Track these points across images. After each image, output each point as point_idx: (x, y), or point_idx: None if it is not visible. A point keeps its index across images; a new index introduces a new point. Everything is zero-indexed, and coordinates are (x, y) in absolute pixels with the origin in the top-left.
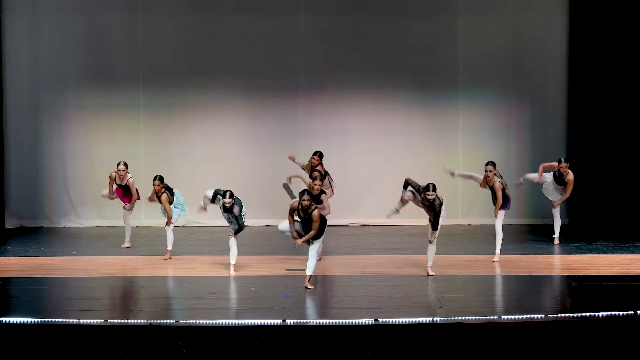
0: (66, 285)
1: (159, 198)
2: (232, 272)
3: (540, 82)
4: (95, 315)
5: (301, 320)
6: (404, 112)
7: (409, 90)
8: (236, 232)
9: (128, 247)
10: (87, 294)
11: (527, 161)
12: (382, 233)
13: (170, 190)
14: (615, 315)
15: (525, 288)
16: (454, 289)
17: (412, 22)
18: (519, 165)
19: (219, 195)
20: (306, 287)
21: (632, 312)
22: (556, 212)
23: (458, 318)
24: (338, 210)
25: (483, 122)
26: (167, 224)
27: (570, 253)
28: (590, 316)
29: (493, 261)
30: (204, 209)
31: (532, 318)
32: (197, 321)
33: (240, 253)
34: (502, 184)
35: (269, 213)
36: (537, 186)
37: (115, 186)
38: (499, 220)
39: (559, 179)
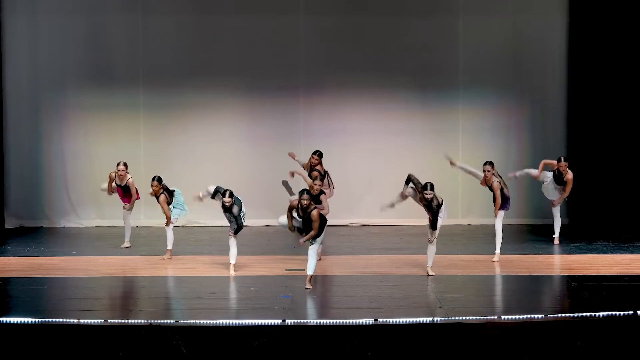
0: (66, 285)
1: (157, 198)
2: (231, 272)
3: (540, 82)
4: (95, 315)
5: (301, 320)
6: (403, 112)
7: (409, 90)
8: (235, 232)
9: (128, 247)
10: (87, 294)
11: (527, 161)
12: (382, 233)
13: (168, 191)
14: (615, 315)
15: (525, 288)
16: (453, 289)
17: (412, 22)
18: (518, 165)
19: (219, 193)
20: (306, 287)
21: (631, 312)
22: (556, 212)
23: (458, 318)
24: (338, 210)
25: (483, 122)
26: (167, 224)
27: (570, 253)
28: (590, 316)
29: (493, 261)
30: (200, 199)
31: (531, 318)
32: (197, 321)
33: (240, 253)
34: (500, 183)
35: (268, 213)
36: (537, 186)
37: (114, 185)
38: (499, 221)
39: (559, 178)
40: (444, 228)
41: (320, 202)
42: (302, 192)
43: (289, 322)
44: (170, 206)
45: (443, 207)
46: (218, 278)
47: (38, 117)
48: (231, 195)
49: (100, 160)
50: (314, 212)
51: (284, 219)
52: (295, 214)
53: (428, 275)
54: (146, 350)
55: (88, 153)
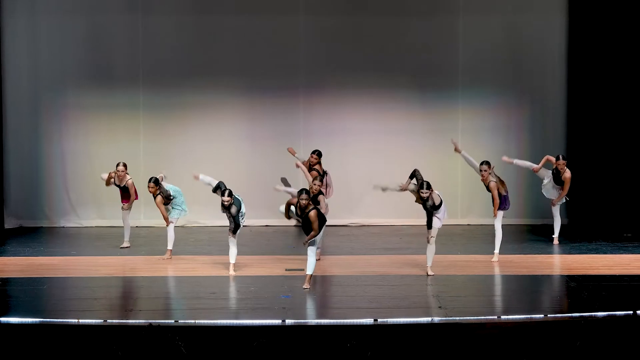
0: (65, 285)
1: (154, 199)
2: (231, 272)
3: (540, 82)
4: (95, 315)
5: (301, 320)
6: (403, 112)
7: (409, 90)
8: (234, 231)
9: (127, 247)
10: (87, 294)
11: (527, 161)
12: (381, 233)
13: (166, 192)
14: (615, 315)
15: (525, 288)
16: (453, 289)
17: (412, 22)
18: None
19: (220, 190)
20: (304, 287)
21: (631, 312)
22: (556, 212)
23: (457, 318)
24: (338, 210)
25: (483, 122)
26: (167, 224)
27: (569, 253)
28: (590, 316)
29: (492, 261)
30: (197, 178)
31: (531, 318)
32: (197, 321)
33: (239, 253)
34: (497, 183)
35: (268, 213)
36: (537, 186)
37: (112, 181)
38: (498, 221)
39: (557, 177)
40: (443, 228)
41: (318, 203)
42: (300, 192)
43: (288, 322)
44: (169, 207)
45: (442, 208)
46: (218, 278)
47: (38, 117)
48: (230, 194)
49: (100, 160)
50: (312, 213)
51: (282, 208)
52: (293, 209)
53: (428, 275)
54: (146, 350)
55: (88, 153)
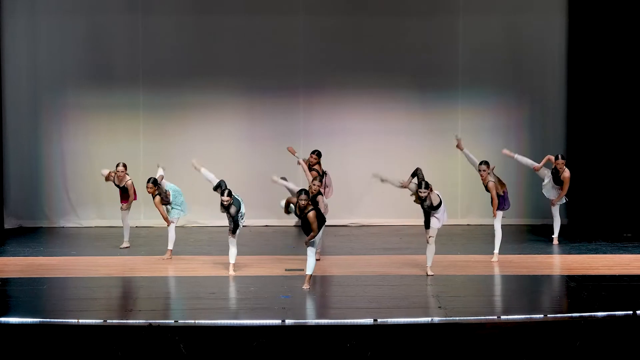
0: (65, 285)
1: (153, 199)
2: (231, 272)
3: (540, 82)
4: (95, 316)
5: (300, 321)
6: (403, 112)
7: (409, 90)
8: (233, 231)
9: (127, 247)
10: (86, 294)
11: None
12: (381, 233)
13: (165, 193)
14: (615, 315)
15: (525, 288)
16: (453, 289)
17: (412, 22)
18: (518, 165)
19: (220, 189)
20: (303, 287)
21: (631, 312)
22: (556, 212)
23: (457, 318)
24: (337, 210)
25: (483, 122)
26: (168, 224)
27: (569, 253)
28: (590, 316)
29: (492, 261)
30: (197, 169)
31: (531, 318)
32: (197, 321)
33: (239, 253)
34: (496, 183)
35: (268, 213)
36: (536, 186)
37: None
38: (498, 221)
39: (556, 176)
40: (443, 228)
41: (317, 203)
42: (300, 193)
43: (288, 322)
44: (169, 207)
45: (441, 209)
46: (217, 278)
47: (38, 117)
48: (230, 194)
49: (100, 160)
50: (311, 214)
51: (282, 202)
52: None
53: (427, 275)
54: (145, 350)
55: (88, 153)
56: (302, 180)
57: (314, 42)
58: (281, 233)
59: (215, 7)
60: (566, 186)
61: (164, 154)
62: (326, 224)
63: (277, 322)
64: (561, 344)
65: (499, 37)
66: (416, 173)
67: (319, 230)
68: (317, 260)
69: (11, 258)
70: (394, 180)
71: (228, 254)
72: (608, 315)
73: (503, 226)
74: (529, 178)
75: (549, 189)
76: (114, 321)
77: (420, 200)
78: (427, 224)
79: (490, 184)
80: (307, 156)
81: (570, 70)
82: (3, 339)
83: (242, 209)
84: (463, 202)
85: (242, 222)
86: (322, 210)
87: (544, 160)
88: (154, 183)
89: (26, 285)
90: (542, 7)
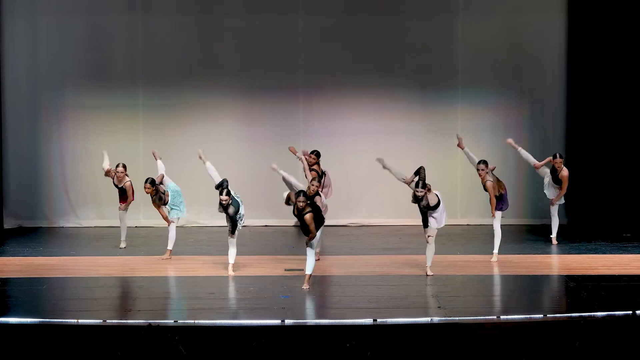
0: (65, 285)
1: (152, 200)
2: (230, 272)
3: (540, 82)
4: (94, 316)
5: (300, 321)
6: (403, 112)
7: (409, 90)
8: (232, 231)
9: (124, 248)
10: (86, 294)
11: (526, 161)
12: (381, 233)
13: (162, 193)
14: (614, 315)
15: (524, 288)
16: (452, 289)
17: (411, 22)
18: (517, 165)
19: (221, 188)
20: (302, 287)
21: (630, 312)
22: (554, 211)
23: (457, 318)
24: (337, 210)
25: (482, 122)
26: (168, 223)
27: (568, 253)
28: (589, 316)
29: (491, 261)
30: (202, 160)
31: (530, 318)
32: (196, 321)
33: (239, 253)
34: (494, 183)
35: (267, 213)
36: (536, 186)
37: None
38: (497, 221)
39: (554, 176)
40: (443, 228)
41: (315, 204)
42: (298, 194)
43: (287, 322)
44: (167, 207)
45: (439, 210)
46: (217, 278)
47: (37, 117)
48: (228, 194)
49: (99, 161)
50: (307, 216)
51: (285, 194)
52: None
53: (427, 275)
54: (145, 350)
55: (87, 153)
56: (301, 179)
57: (314, 42)
58: (281, 233)
59: (215, 7)
60: (565, 185)
61: (164, 154)
62: (326, 224)
63: (277, 322)
64: (561, 344)
65: (499, 37)
66: (418, 172)
67: (317, 231)
68: (316, 260)
69: (11, 258)
70: (397, 172)
71: (227, 254)
72: (607, 315)
73: (502, 226)
74: (529, 178)
75: (549, 189)
76: (113, 321)
77: (416, 199)
78: (425, 224)
79: (488, 184)
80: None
81: (570, 70)
82: (3, 339)
83: (242, 210)
84: (462, 202)
85: (241, 223)
86: (322, 210)
87: (545, 161)
88: (152, 183)
89: (26, 285)
90: (542, 7)
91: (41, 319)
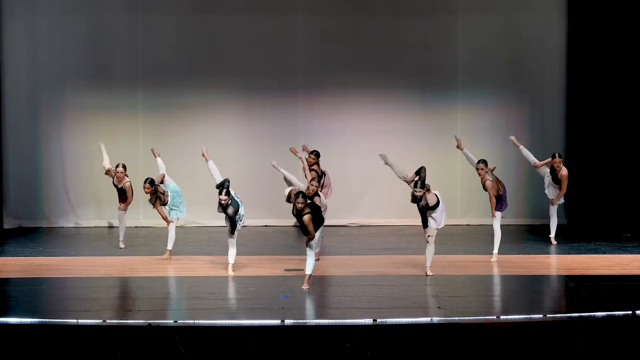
0: (64, 285)
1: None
2: (230, 272)
3: (539, 82)
4: (94, 316)
5: (300, 321)
6: (403, 112)
7: (409, 90)
8: (232, 231)
9: (123, 248)
10: (86, 294)
11: (526, 161)
12: (380, 233)
13: (161, 193)
14: (614, 315)
15: (524, 288)
16: (452, 289)
17: (411, 22)
18: (517, 165)
19: (222, 188)
20: (302, 287)
21: (630, 312)
22: (553, 211)
23: (457, 318)
24: (337, 211)
25: (482, 122)
26: (168, 223)
27: (568, 253)
28: (589, 316)
29: (491, 261)
30: (205, 158)
31: (530, 318)
32: (196, 321)
33: (238, 253)
34: (493, 182)
35: (267, 213)
36: (535, 186)
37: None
38: (497, 221)
39: (554, 175)
40: (442, 228)
41: (315, 204)
42: (297, 196)
43: (287, 322)
44: (166, 207)
45: (438, 210)
46: (217, 278)
47: (37, 117)
48: (228, 194)
49: (99, 161)
50: (306, 218)
51: (287, 191)
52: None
53: (427, 275)
54: (145, 350)
55: (87, 153)
56: (301, 179)
57: (314, 42)
58: (280, 233)
59: (215, 7)
60: (564, 185)
61: (163, 154)
62: (326, 224)
63: (277, 322)
64: (560, 344)
65: (499, 37)
66: (419, 172)
67: (316, 232)
68: (316, 260)
69: (10, 258)
70: (399, 169)
71: (227, 254)
72: (607, 315)
73: (502, 226)
74: (529, 178)
75: (549, 189)
76: (113, 321)
77: (414, 199)
78: (424, 224)
79: (488, 183)
80: (306, 157)
81: (570, 70)
82: (3, 339)
83: (241, 211)
84: (462, 202)
85: (240, 224)
86: (322, 210)
87: (545, 161)
88: (151, 183)
89: (25, 285)
90: (542, 7)
91: (41, 319)
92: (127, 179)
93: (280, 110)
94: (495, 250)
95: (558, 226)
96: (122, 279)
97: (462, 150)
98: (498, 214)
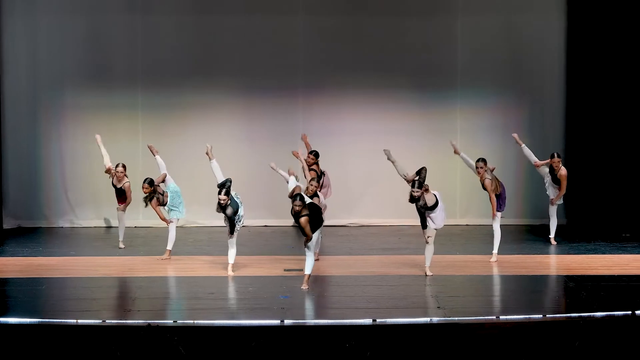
0: (64, 285)
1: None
2: (230, 272)
3: (539, 82)
4: (93, 316)
5: (299, 321)
6: (402, 112)
7: (408, 90)
8: (231, 232)
9: (122, 248)
10: (85, 294)
11: (525, 161)
12: (380, 233)
13: (161, 194)
14: (613, 316)
15: (524, 288)
16: (452, 289)
17: (411, 22)
18: (517, 165)
19: (221, 187)
20: (302, 287)
21: (630, 312)
22: (553, 211)
23: (456, 318)
24: (336, 211)
25: (481, 122)
26: (167, 223)
27: (568, 253)
28: (589, 316)
29: (490, 261)
30: (209, 156)
31: (530, 318)
32: (195, 321)
33: (238, 253)
34: (492, 181)
35: (267, 213)
36: (535, 186)
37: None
38: (496, 221)
39: (553, 175)
40: (442, 228)
41: (315, 205)
42: (295, 198)
43: (287, 322)
44: (166, 207)
45: (437, 210)
46: (216, 278)
47: (36, 117)
48: (227, 194)
49: (98, 161)
50: (303, 220)
51: (290, 187)
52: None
53: (426, 275)
54: (144, 350)
55: (86, 153)
56: (300, 179)
57: (313, 42)
58: (280, 233)
59: (215, 7)
60: (563, 184)
61: (163, 154)
62: (325, 224)
63: (276, 322)
64: (560, 344)
65: (499, 37)
66: (420, 172)
67: (313, 233)
68: (316, 260)
69: (10, 258)
70: (401, 167)
71: (227, 254)
72: (607, 316)
73: (502, 226)
74: (528, 178)
75: (549, 188)
76: (112, 321)
77: (412, 199)
78: (423, 224)
79: (487, 182)
80: (306, 157)
81: (570, 70)
82: (3, 339)
83: (241, 212)
84: (462, 202)
85: (240, 225)
86: (322, 209)
87: (545, 161)
88: (150, 184)
89: (25, 285)
90: (542, 7)
91: (41, 319)
92: (126, 179)
93: (280, 111)
94: (495, 251)
95: (558, 226)
96: (122, 279)
97: (459, 154)
98: (498, 214)
